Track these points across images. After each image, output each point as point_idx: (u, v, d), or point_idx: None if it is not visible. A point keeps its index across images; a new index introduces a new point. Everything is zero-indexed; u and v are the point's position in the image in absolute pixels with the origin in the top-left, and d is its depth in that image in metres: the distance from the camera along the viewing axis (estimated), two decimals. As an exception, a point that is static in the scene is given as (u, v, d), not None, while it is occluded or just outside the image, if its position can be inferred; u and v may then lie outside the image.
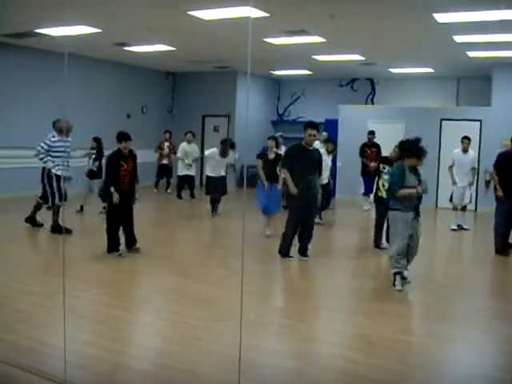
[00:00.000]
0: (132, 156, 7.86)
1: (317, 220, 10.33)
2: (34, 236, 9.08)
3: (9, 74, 12.75)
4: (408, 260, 6.63)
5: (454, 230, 10.54)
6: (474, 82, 15.31)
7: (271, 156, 9.51)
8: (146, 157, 15.13)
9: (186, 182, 13.68)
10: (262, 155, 9.54)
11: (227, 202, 11.85)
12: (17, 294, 6.08)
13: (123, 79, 16.02)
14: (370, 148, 12.87)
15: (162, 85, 17.87)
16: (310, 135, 7.71)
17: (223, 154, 11.25)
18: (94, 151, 11.02)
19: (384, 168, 8.34)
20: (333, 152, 11.17)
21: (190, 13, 8.94)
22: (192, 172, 13.63)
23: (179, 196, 13.84)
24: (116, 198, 7.52)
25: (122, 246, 7.85)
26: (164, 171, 15.07)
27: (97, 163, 10.96)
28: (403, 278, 6.62)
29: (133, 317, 5.63)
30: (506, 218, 8.51)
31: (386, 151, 12.24)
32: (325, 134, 12.70)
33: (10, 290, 6.25)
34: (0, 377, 4.07)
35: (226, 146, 11.39)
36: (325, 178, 10.54)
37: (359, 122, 14.96)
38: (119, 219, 7.75)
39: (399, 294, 6.44)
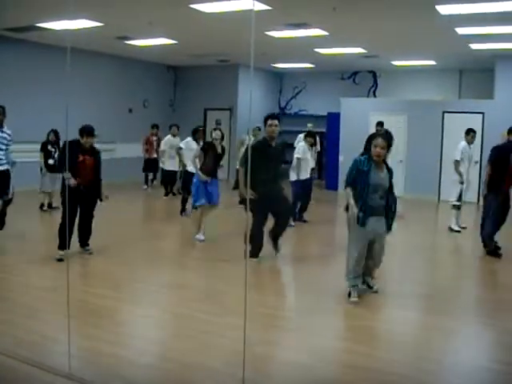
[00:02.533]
0: (93, 152, 7.34)
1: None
2: (27, 229, 9.05)
3: (10, 68, 12.73)
4: (371, 266, 6.09)
5: (458, 231, 9.96)
6: (476, 74, 15.27)
7: (218, 149, 8.77)
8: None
9: (171, 177, 13.37)
10: (208, 146, 8.87)
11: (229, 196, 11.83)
12: (19, 288, 6.11)
13: (125, 73, 16.00)
14: None
15: (164, 78, 17.85)
16: (270, 125, 7.28)
17: (198, 142, 10.77)
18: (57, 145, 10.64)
19: None
20: (314, 145, 10.79)
21: (191, 6, 8.92)
22: (176, 167, 13.02)
23: (167, 193, 13.50)
24: (72, 182, 6.85)
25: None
26: (151, 165, 14.76)
27: (56, 157, 10.52)
28: (369, 287, 6.15)
29: (137, 311, 5.63)
30: (496, 217, 8.15)
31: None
32: (310, 125, 12.57)
33: (13, 283, 6.28)
34: (4, 370, 4.08)
35: (200, 133, 10.97)
36: (306, 173, 10.17)
37: (361, 115, 14.94)
38: (73, 215, 7.07)
39: (401, 288, 6.45)
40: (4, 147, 8.12)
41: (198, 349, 4.56)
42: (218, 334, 4.88)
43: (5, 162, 8.20)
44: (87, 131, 7.16)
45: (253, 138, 12.31)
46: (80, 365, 4.07)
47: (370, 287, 6.15)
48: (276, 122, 7.32)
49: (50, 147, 10.67)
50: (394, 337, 5.11)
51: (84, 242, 7.54)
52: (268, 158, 7.25)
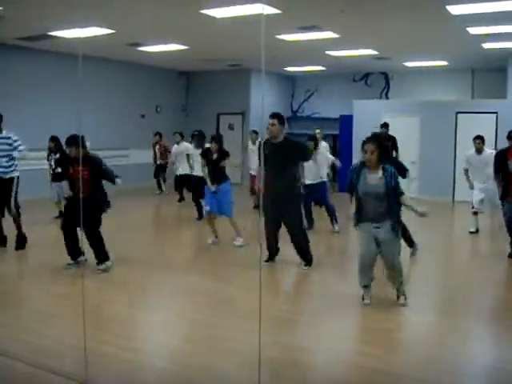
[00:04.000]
0: (87, 161, 6.85)
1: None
2: (43, 237, 9.07)
3: (24, 76, 12.84)
4: (390, 277, 5.86)
5: (472, 232, 9.93)
6: (489, 73, 15.18)
7: (214, 156, 8.57)
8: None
9: (182, 182, 12.99)
10: (205, 153, 8.83)
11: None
12: (34, 294, 6.15)
13: (137, 79, 16.08)
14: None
15: (176, 84, 17.91)
16: (268, 124, 7.12)
17: (198, 146, 10.46)
18: (55, 153, 10.48)
19: None
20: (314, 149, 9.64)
21: (202, 11, 8.95)
22: (185, 171, 12.42)
23: (180, 199, 13.24)
24: (66, 193, 7.16)
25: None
26: (158, 171, 14.70)
27: (53, 165, 10.51)
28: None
29: (151, 316, 5.65)
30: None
31: (402, 146, 12.21)
32: (318, 130, 12.03)
33: (27, 290, 6.32)
34: (21, 377, 4.11)
35: (200, 137, 10.61)
36: (309, 177, 9.49)
37: (374, 117, 14.85)
38: (71, 225, 6.91)
39: (416, 289, 6.42)
40: (4, 153, 7.91)
41: (213, 353, 4.56)
42: (232, 338, 4.88)
43: (6, 170, 7.98)
44: (68, 142, 6.87)
45: (250, 142, 12.40)
46: (96, 371, 4.09)
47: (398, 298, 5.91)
48: (274, 121, 7.04)
49: (49, 156, 10.65)
50: (408, 339, 5.09)
51: (96, 257, 7.12)
52: (267, 157, 7.08)
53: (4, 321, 5.24)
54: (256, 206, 12.08)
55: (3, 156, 7.90)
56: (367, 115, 15.16)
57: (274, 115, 7.13)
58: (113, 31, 10.70)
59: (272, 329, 4.97)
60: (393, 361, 4.46)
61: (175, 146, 13.16)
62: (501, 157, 8.04)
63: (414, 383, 4.11)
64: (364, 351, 4.69)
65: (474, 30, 10.14)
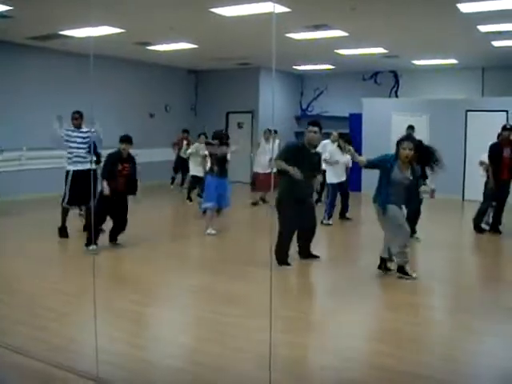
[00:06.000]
0: (130, 159, 8.17)
1: None
2: (53, 236, 9.08)
3: (34, 76, 12.90)
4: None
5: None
6: (499, 71, 15.10)
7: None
8: (168, 155, 15.24)
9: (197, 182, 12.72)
10: None
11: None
12: (48, 293, 6.17)
13: (146, 78, 16.10)
14: None
15: (185, 83, 17.92)
16: (309, 131, 7.40)
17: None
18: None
19: None
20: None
21: (211, 10, 8.96)
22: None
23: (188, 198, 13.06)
24: (106, 190, 7.77)
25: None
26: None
27: None
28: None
29: (163, 314, 5.67)
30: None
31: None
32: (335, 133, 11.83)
33: (41, 288, 6.34)
34: (34, 374, 4.13)
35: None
36: None
37: (383, 115, 14.85)
38: (104, 215, 7.95)
39: (425, 286, 6.41)
40: (83, 146, 8.63)
41: (225, 352, 4.56)
42: (243, 337, 4.88)
43: (84, 160, 8.62)
44: (126, 139, 8.15)
45: (263, 140, 12.49)
46: (108, 369, 4.10)
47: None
48: (316, 128, 7.37)
49: None
50: (421, 338, 5.07)
51: (114, 237, 8.26)
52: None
53: (19, 319, 5.27)
54: (254, 203, 12.18)
55: (80, 148, 8.66)
56: (376, 114, 15.14)
57: (316, 123, 7.43)
58: (122, 30, 10.73)
59: (284, 328, 4.97)
60: (405, 360, 4.44)
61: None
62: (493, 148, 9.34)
63: (426, 383, 4.09)
64: (376, 350, 4.68)
65: (484, 28, 10.10)
